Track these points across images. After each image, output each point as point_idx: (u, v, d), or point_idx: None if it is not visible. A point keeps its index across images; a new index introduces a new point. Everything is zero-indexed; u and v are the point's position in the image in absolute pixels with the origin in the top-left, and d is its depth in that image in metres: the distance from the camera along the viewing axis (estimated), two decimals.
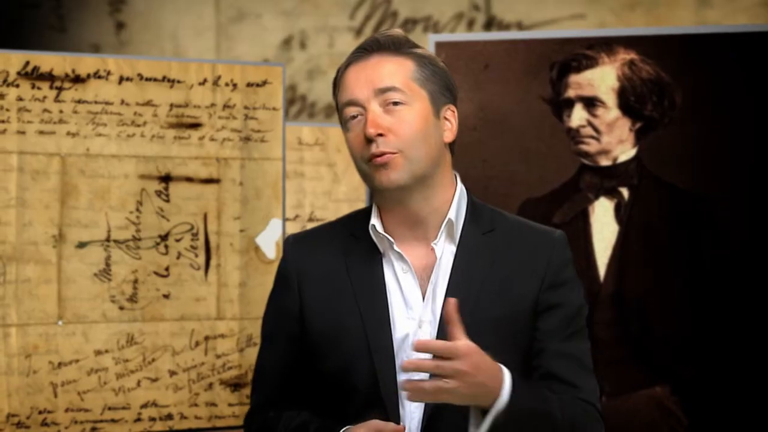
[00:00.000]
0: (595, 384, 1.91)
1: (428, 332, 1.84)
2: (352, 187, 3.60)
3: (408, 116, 1.82)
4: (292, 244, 1.99)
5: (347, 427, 1.80)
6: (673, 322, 2.63)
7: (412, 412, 1.83)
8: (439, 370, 1.66)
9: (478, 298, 1.84)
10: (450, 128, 1.89)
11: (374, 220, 1.89)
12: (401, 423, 1.82)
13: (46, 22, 5.42)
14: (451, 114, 1.90)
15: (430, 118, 1.85)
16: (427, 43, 2.68)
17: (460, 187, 1.92)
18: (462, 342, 1.68)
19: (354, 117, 1.84)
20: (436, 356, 1.67)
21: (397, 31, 1.90)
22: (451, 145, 1.91)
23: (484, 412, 1.71)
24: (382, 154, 1.80)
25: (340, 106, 1.88)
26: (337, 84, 1.91)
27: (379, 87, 1.82)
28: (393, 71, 1.83)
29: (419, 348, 1.68)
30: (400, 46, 1.86)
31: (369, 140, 1.80)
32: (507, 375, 1.73)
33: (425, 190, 1.86)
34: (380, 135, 1.80)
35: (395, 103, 1.82)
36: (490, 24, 5.20)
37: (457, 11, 5.26)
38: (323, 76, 5.29)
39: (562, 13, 5.13)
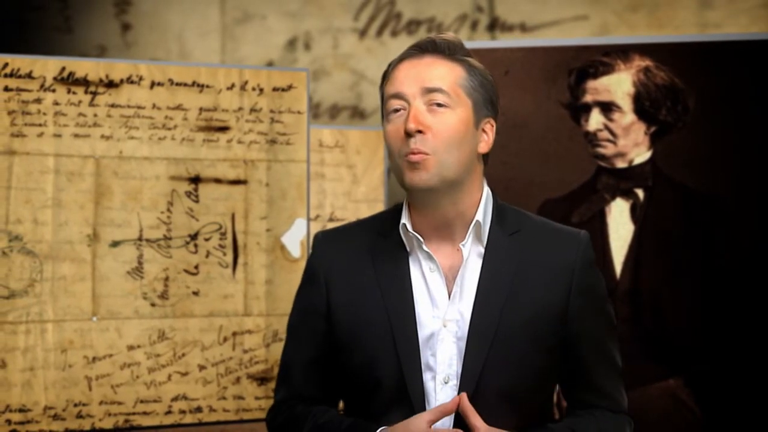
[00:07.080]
0: (623, 387, 1.96)
1: (453, 331, 1.84)
2: (371, 187, 3.61)
3: (449, 119, 1.83)
4: (320, 241, 1.99)
5: (383, 427, 1.80)
6: (685, 318, 2.67)
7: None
8: None
9: (507, 298, 1.85)
10: (486, 140, 1.90)
11: (405, 219, 1.90)
12: None
13: (51, 23, 5.42)
14: (489, 127, 1.91)
15: (469, 126, 1.86)
16: None
17: (487, 191, 1.93)
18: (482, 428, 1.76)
19: (396, 110, 1.85)
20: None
21: (453, 35, 1.91)
22: (485, 156, 1.93)
23: None
24: (418, 152, 1.80)
25: (385, 97, 1.89)
26: (386, 77, 1.91)
27: (427, 86, 1.83)
28: (443, 74, 1.85)
29: None
30: (454, 52, 1.88)
31: (408, 135, 1.81)
32: None
33: (454, 195, 1.86)
34: (419, 132, 1.81)
35: (439, 105, 1.83)
36: (493, 26, 5.19)
37: (460, 13, 5.22)
38: (327, 77, 5.27)
39: (565, 15, 5.10)
